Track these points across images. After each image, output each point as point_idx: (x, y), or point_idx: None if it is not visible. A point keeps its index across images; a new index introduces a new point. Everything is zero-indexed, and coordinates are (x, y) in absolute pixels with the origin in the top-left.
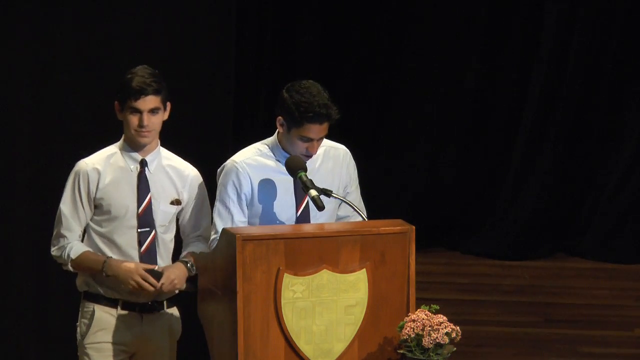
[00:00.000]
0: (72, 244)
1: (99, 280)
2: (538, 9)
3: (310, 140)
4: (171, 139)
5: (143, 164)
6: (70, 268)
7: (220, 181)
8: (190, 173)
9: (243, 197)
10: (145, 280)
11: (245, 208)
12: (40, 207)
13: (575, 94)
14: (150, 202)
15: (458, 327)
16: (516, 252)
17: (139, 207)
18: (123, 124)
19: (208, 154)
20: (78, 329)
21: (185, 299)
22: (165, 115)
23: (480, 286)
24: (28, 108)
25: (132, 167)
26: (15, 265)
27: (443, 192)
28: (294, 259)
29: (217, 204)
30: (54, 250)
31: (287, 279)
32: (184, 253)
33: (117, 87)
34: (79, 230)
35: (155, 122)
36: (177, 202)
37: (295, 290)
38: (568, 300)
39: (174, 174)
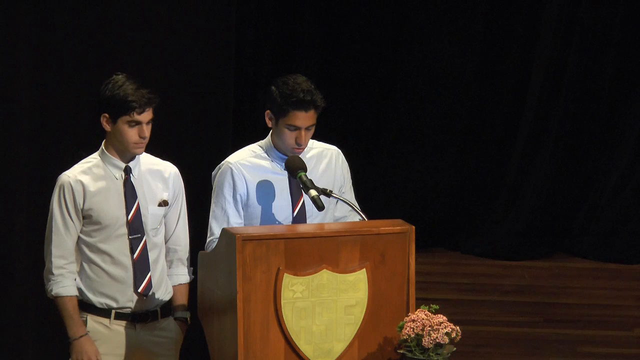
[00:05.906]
0: (62, 281)
1: (91, 290)
2: (538, 9)
3: (297, 128)
4: (171, 140)
5: (127, 170)
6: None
7: (215, 183)
8: (172, 171)
9: (238, 197)
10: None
11: (240, 209)
12: (40, 207)
13: (575, 95)
14: (138, 208)
15: (458, 327)
16: (516, 252)
17: (127, 214)
18: (109, 134)
19: (208, 154)
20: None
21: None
22: None
23: (480, 286)
24: (28, 108)
25: (116, 175)
26: (15, 265)
27: (443, 192)
28: (293, 259)
29: (213, 206)
30: (45, 278)
31: (287, 279)
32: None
33: (102, 100)
34: (71, 245)
35: (149, 131)
36: (164, 203)
37: (295, 290)
38: (568, 300)
39: (157, 174)
